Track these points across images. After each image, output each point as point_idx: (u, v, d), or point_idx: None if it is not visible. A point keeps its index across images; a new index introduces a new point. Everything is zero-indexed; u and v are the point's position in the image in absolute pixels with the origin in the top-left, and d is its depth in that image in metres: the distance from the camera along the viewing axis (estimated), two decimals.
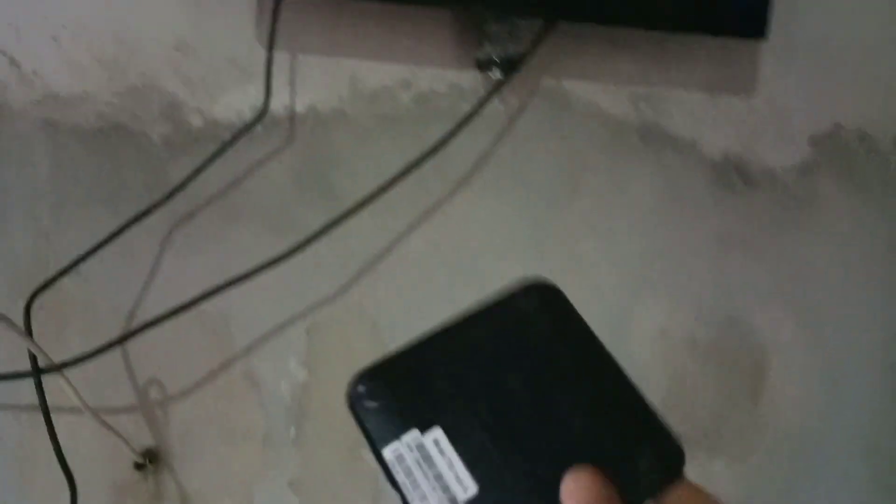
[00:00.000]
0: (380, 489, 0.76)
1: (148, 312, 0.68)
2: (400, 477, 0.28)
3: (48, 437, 0.63)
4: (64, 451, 0.64)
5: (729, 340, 0.78)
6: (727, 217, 0.79)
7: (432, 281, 0.74)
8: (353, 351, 0.75)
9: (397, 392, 0.30)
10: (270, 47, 0.66)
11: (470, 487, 0.28)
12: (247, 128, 0.67)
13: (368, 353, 0.77)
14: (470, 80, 0.73)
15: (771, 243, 0.79)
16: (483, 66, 0.71)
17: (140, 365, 0.72)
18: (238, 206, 0.71)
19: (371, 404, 0.30)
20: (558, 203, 0.75)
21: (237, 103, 0.70)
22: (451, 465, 0.29)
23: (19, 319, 0.62)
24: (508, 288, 0.33)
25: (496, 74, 0.70)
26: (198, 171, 0.66)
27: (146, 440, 0.72)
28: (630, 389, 0.31)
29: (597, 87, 0.75)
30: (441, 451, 0.29)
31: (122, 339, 0.62)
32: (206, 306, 0.67)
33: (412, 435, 0.29)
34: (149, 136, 0.69)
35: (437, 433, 0.29)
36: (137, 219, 0.65)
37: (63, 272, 0.63)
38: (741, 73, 0.78)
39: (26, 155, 0.69)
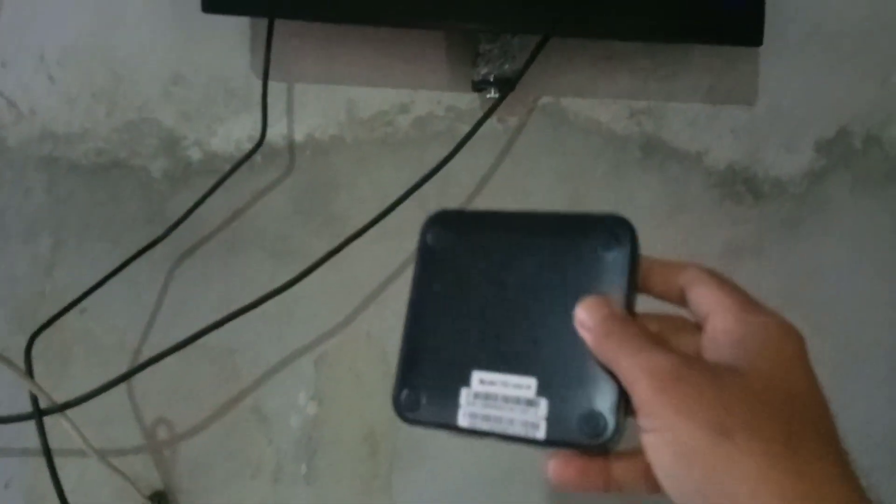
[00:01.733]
0: None
1: (153, 347, 0.67)
2: (485, 427, 0.32)
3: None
4: (71, 494, 0.63)
5: None
6: (736, 227, 0.78)
7: None
8: (362, 381, 0.74)
9: (428, 381, 0.34)
10: (265, 77, 0.66)
11: (531, 383, 0.32)
12: (245, 158, 0.67)
13: (379, 383, 0.76)
14: (467, 102, 0.73)
15: (781, 251, 0.78)
16: (479, 86, 0.71)
17: (146, 403, 0.70)
18: (240, 236, 0.70)
19: (422, 406, 0.34)
20: None
21: (235, 134, 0.70)
22: (505, 384, 0.32)
23: (20, 357, 0.61)
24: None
25: (492, 94, 0.70)
26: (198, 204, 0.66)
27: (154, 480, 0.71)
28: (544, 217, 0.35)
29: (594, 102, 0.75)
30: (491, 383, 0.33)
31: (126, 377, 0.61)
32: (211, 341, 0.66)
33: (465, 393, 0.33)
34: (148, 170, 0.69)
35: (478, 375, 0.33)
36: (140, 253, 0.65)
37: (65, 310, 0.63)
38: (741, 81, 0.77)
39: (26, 192, 0.69)
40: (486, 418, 0.32)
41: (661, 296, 0.34)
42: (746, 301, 0.31)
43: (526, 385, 0.32)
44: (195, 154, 0.70)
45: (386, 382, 0.80)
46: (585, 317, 0.32)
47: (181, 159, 0.70)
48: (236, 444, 0.72)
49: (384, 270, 0.72)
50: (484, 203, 0.73)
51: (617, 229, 0.33)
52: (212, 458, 0.71)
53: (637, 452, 0.31)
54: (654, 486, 0.30)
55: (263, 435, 0.72)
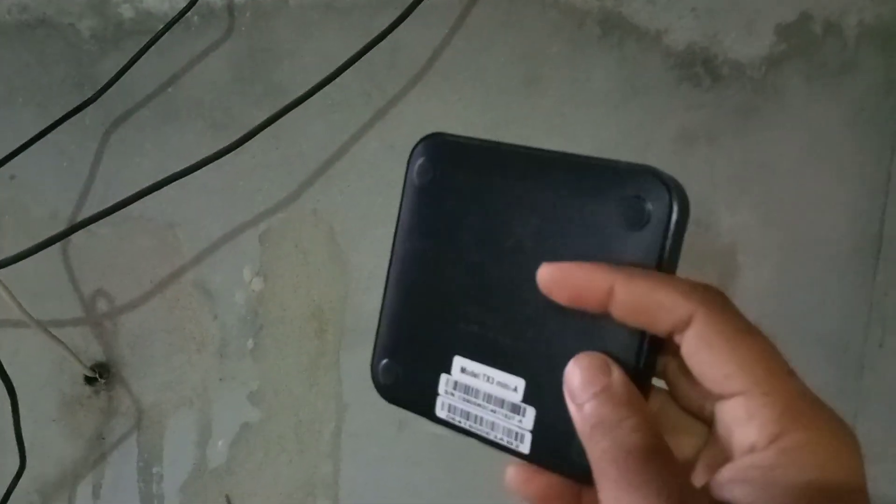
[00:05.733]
0: (344, 403, 0.75)
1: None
2: (463, 423, 0.28)
3: None
4: (9, 364, 0.62)
5: (695, 238, 0.76)
6: (691, 112, 0.77)
7: (389, 183, 0.71)
8: (309, 258, 0.72)
9: (408, 356, 0.30)
10: None
11: (518, 385, 0.27)
12: (179, 16, 0.63)
13: (326, 262, 0.75)
14: None
15: (735, 139, 0.77)
16: None
17: (84, 276, 0.69)
18: (177, 103, 0.67)
19: (399, 384, 0.30)
20: (517, 97, 0.72)
21: None
22: (489, 379, 0.28)
23: None
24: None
25: None
26: (129, 65, 0.62)
27: (95, 352, 0.70)
28: (565, 161, 0.29)
29: None
30: (474, 374, 0.28)
31: (58, 238, 0.59)
32: (149, 213, 0.64)
33: (444, 380, 0.28)
34: (77, 29, 0.65)
35: (459, 361, 0.28)
36: (68, 116, 0.62)
37: None
38: None
39: None
40: (466, 415, 0.28)
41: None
42: (788, 389, 0.23)
43: (512, 386, 0.27)
44: (127, 12, 0.66)
45: (333, 263, 0.79)
46: (577, 384, 0.24)
47: (112, 17, 0.65)
48: (180, 318, 0.71)
49: (331, 145, 0.70)
50: (436, 81, 0.71)
51: (654, 196, 0.24)
52: (154, 332, 0.71)
53: None
54: None
55: (208, 310, 0.71)
